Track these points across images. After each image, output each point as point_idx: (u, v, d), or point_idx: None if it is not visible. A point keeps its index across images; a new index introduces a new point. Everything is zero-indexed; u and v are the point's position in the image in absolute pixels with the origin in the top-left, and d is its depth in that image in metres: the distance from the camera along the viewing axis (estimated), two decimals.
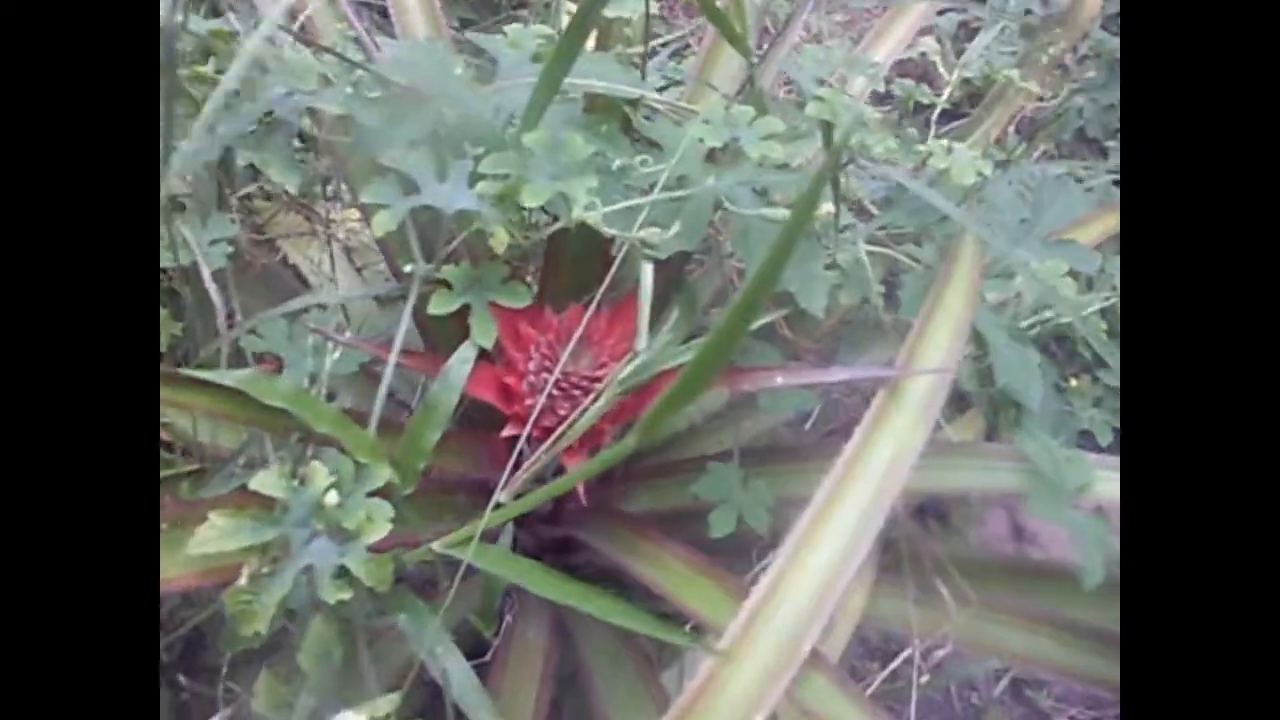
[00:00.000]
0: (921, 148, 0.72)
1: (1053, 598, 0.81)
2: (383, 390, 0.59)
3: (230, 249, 0.75)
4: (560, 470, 0.74)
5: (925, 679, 0.77)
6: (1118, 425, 1.06)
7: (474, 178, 0.63)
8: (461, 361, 0.61)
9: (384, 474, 0.58)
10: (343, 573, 0.54)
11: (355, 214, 1.22)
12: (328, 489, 0.54)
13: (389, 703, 0.54)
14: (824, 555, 0.62)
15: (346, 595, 0.53)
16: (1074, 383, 1.15)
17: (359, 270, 1.21)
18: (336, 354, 0.64)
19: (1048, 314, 0.98)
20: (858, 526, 0.63)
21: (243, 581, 0.52)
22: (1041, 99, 1.15)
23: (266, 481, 0.54)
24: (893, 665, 0.77)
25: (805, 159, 0.77)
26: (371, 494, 0.58)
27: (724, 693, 0.58)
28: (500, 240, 0.60)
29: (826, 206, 0.69)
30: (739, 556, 0.85)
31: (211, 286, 0.72)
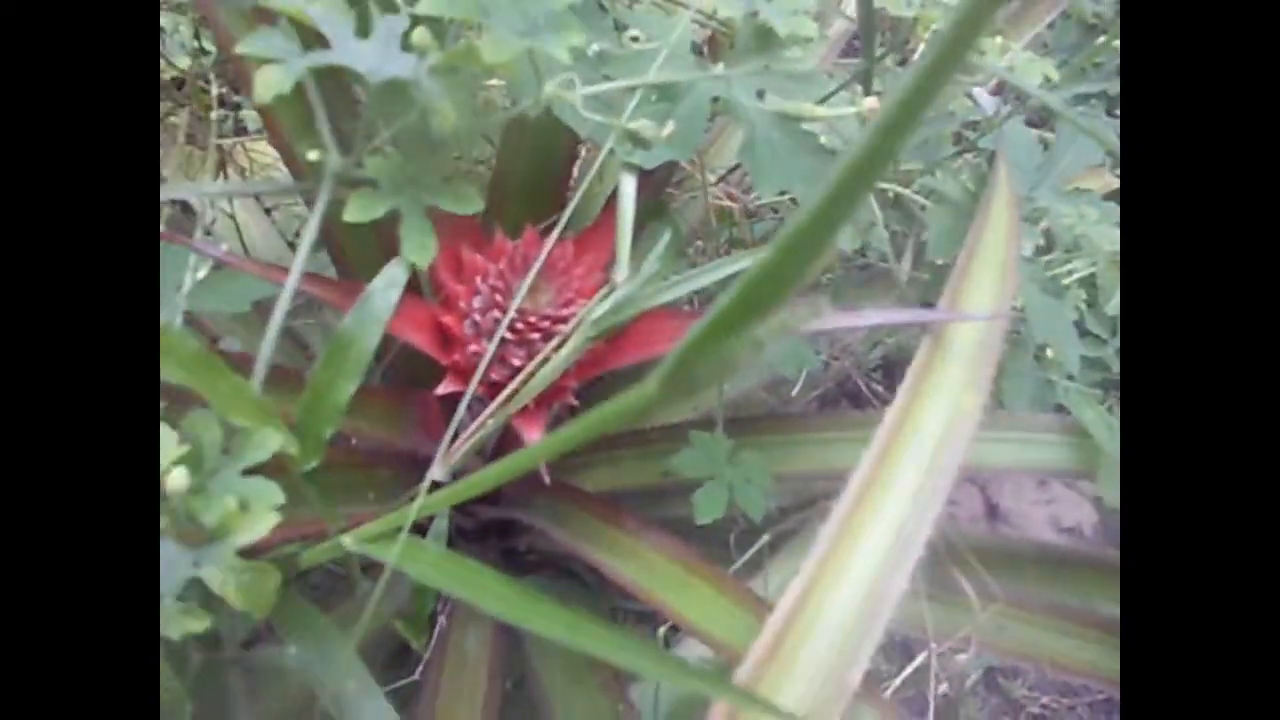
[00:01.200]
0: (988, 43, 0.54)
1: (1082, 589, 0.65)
2: (275, 322, 0.38)
3: None
4: (507, 437, 0.54)
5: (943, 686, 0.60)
6: (1095, 398, 0.92)
7: (407, 39, 0.42)
8: (387, 285, 0.40)
9: (272, 442, 0.37)
10: (197, 590, 0.33)
11: (264, 146, 0.98)
12: (174, 464, 0.33)
13: None
14: (870, 551, 0.44)
15: (200, 626, 0.32)
16: (1049, 353, 1.01)
17: (268, 211, 0.98)
18: (201, 272, 0.42)
19: None
20: (910, 513, 0.45)
21: None
22: None
23: None
24: (905, 672, 0.60)
25: (819, 59, 0.58)
26: (251, 471, 0.37)
27: None
28: (447, 119, 0.39)
29: (868, 102, 0.49)
30: (715, 544, 0.66)
31: None
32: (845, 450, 0.64)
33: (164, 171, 0.90)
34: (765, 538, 0.62)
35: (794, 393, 0.72)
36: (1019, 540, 0.81)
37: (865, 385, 0.77)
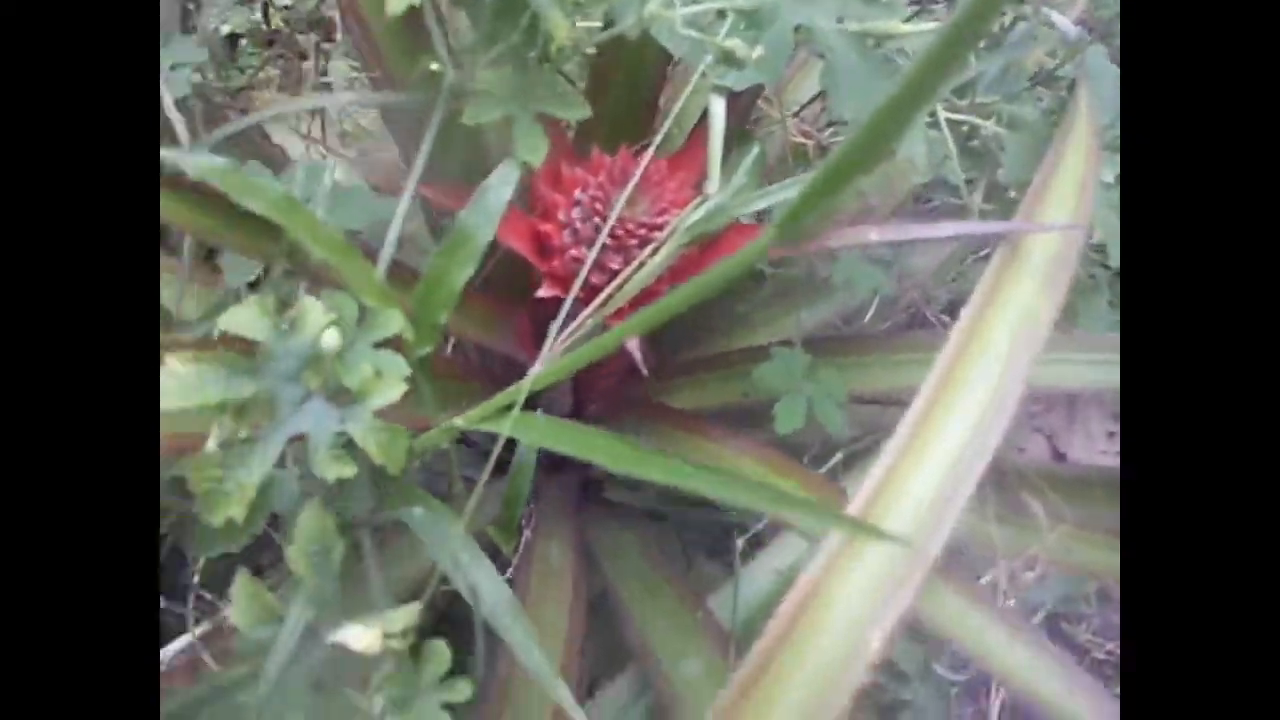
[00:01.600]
0: None
1: None
2: (399, 214, 0.42)
3: (195, 76, 0.58)
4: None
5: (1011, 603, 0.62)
6: None
7: None
8: (501, 181, 0.44)
9: (395, 322, 0.41)
10: (344, 444, 0.38)
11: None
12: (326, 327, 0.37)
13: (407, 615, 0.38)
14: (942, 451, 0.46)
15: (349, 472, 0.37)
16: None
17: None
18: (337, 173, 0.46)
19: None
20: (979, 419, 0.47)
21: (211, 445, 0.35)
22: None
23: (242, 319, 0.37)
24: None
25: None
26: (380, 346, 0.41)
27: (830, 606, 0.42)
28: (560, 30, 0.43)
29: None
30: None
31: (175, 115, 0.54)
32: (916, 372, 0.66)
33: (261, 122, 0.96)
34: (839, 455, 0.65)
35: (865, 321, 0.75)
36: (1087, 467, 0.83)
37: (935, 318, 0.80)
